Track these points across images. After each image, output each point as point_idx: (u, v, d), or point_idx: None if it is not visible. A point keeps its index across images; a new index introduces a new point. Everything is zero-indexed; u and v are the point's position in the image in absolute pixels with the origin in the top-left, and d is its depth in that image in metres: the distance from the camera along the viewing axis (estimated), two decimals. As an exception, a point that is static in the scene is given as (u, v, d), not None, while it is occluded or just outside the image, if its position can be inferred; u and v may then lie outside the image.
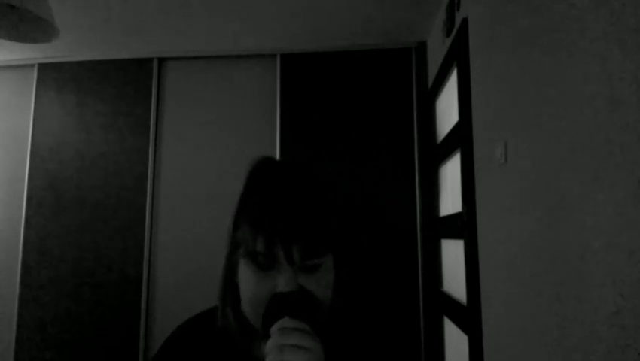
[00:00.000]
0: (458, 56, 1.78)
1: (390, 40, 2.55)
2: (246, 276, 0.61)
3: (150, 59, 2.69)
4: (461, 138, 1.72)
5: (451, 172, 2.07)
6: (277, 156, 2.53)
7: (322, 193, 0.64)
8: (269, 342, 0.54)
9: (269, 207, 0.60)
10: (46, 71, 2.76)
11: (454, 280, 2.00)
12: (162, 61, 2.71)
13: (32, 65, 2.78)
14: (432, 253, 2.36)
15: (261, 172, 0.66)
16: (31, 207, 2.66)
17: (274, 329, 0.54)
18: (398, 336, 2.41)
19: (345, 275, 0.66)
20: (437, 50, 2.27)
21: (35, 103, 2.74)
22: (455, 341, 1.98)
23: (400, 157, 2.49)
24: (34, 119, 2.73)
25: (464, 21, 1.70)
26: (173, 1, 2.12)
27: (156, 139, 2.65)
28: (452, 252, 2.03)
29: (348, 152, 2.51)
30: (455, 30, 1.87)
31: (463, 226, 1.70)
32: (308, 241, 0.58)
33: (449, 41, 1.97)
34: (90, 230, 2.60)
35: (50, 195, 2.65)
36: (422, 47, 2.57)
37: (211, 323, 0.70)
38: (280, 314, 0.56)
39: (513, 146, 1.24)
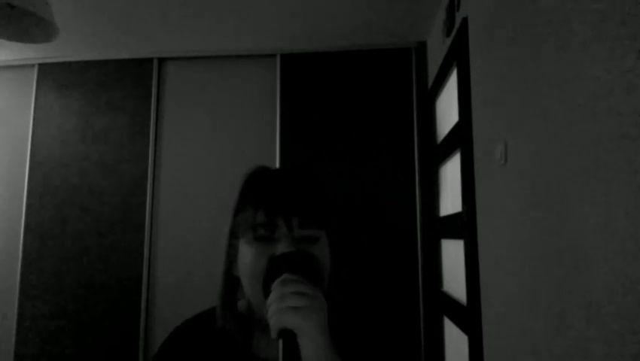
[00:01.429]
0: (458, 56, 1.78)
1: (390, 41, 2.55)
2: (246, 252, 0.63)
3: (150, 59, 2.69)
4: (461, 138, 1.72)
5: (451, 172, 2.07)
6: (277, 156, 2.53)
7: (316, 182, 0.69)
8: (270, 295, 0.55)
9: (268, 186, 0.65)
10: (46, 71, 2.76)
11: (454, 280, 2.00)
12: (162, 61, 2.71)
13: (32, 65, 2.78)
14: (432, 253, 2.36)
15: (257, 173, 0.70)
16: (31, 207, 2.66)
17: (275, 284, 0.55)
18: (398, 336, 2.41)
19: (342, 266, 0.68)
20: (437, 50, 2.27)
21: (35, 103, 2.74)
22: (455, 341, 1.98)
23: (400, 157, 2.49)
24: (34, 119, 2.73)
25: (464, 21, 1.70)
26: (173, 1, 2.12)
27: (156, 139, 2.65)
28: (452, 252, 2.03)
29: (348, 152, 2.51)
30: (455, 30, 1.87)
31: (463, 226, 1.70)
32: (306, 212, 0.62)
33: (449, 41, 1.97)
34: (90, 230, 2.60)
35: (50, 195, 2.65)
36: (422, 47, 2.57)
37: (210, 323, 0.70)
38: (280, 272, 0.57)
39: (513, 146, 1.24)
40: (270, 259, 0.59)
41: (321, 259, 0.63)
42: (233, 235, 0.67)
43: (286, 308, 0.52)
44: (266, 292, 0.57)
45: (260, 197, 0.63)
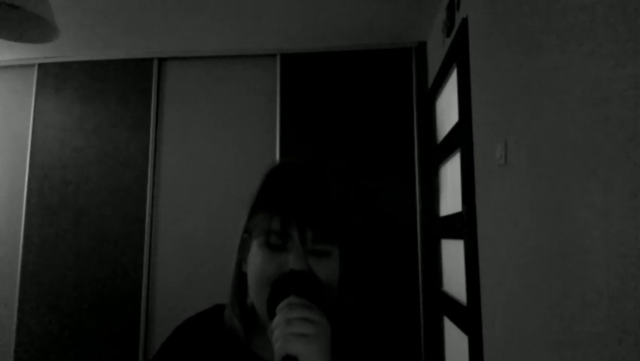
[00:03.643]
0: (458, 56, 1.78)
1: (390, 41, 2.55)
2: (256, 255, 0.63)
3: (150, 59, 2.69)
4: (461, 137, 1.72)
5: (451, 172, 2.07)
6: (277, 156, 2.53)
7: (334, 192, 0.68)
8: (276, 318, 0.54)
9: (287, 193, 0.63)
10: (46, 71, 2.76)
11: (454, 280, 2.00)
12: (162, 61, 2.71)
13: (32, 65, 2.78)
14: (432, 253, 2.36)
15: (279, 170, 0.69)
16: (31, 208, 2.66)
17: (281, 306, 0.55)
18: (398, 336, 2.41)
19: (348, 275, 0.67)
20: (437, 50, 2.27)
21: (35, 103, 2.74)
22: (455, 341, 1.98)
23: (400, 157, 2.49)
24: (34, 119, 2.73)
25: (464, 21, 1.70)
26: (173, 1, 2.12)
27: (156, 139, 2.65)
28: (452, 252, 2.03)
29: (348, 152, 2.51)
30: (455, 30, 1.87)
31: (463, 225, 1.70)
32: (321, 227, 0.61)
33: (449, 41, 1.97)
34: (90, 230, 2.60)
35: (50, 196, 2.66)
36: (422, 47, 2.57)
37: (211, 321, 0.70)
38: (287, 293, 0.56)
39: (513, 146, 1.24)
40: (276, 279, 0.59)
41: (330, 276, 0.62)
42: (247, 231, 0.66)
43: (291, 335, 0.52)
44: (271, 313, 0.57)
45: (278, 203, 0.62)
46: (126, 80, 2.70)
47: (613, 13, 0.76)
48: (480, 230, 1.55)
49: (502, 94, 1.32)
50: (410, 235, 2.43)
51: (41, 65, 2.76)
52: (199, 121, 2.65)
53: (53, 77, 2.75)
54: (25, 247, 2.63)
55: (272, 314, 0.56)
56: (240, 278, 0.68)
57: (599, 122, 0.80)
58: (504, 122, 1.30)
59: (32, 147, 2.71)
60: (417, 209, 2.44)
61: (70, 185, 2.65)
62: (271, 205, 0.63)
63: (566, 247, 0.93)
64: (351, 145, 2.52)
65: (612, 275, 0.76)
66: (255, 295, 0.63)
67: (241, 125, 2.62)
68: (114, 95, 2.70)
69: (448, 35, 1.98)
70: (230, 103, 2.65)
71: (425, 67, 2.56)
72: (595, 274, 0.81)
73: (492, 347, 1.42)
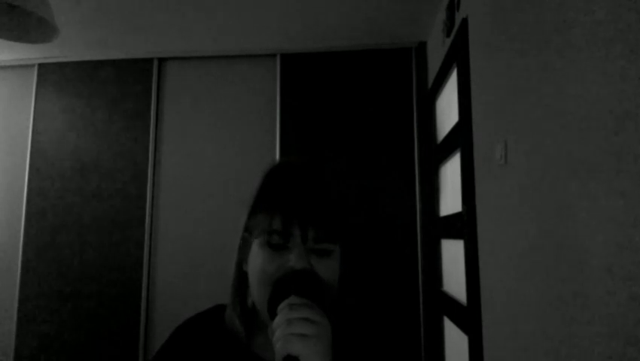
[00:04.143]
0: (458, 56, 1.78)
1: (390, 40, 2.55)
2: (257, 254, 0.63)
3: (150, 59, 2.69)
4: (461, 137, 1.72)
5: (451, 172, 2.07)
6: (277, 156, 2.54)
7: (334, 192, 0.67)
8: (276, 319, 0.54)
9: (288, 192, 0.63)
10: (46, 71, 2.76)
11: (454, 280, 2.00)
12: (162, 61, 2.71)
13: (32, 65, 2.78)
14: (432, 253, 2.36)
15: (279, 169, 0.69)
16: (31, 207, 2.66)
17: (282, 306, 0.55)
18: (398, 336, 2.41)
19: (348, 275, 0.67)
20: (437, 50, 2.27)
21: (35, 103, 2.74)
22: (455, 341, 1.98)
23: (400, 157, 2.49)
24: (34, 119, 2.73)
25: (464, 21, 1.70)
26: (173, 1, 2.12)
27: (156, 139, 2.65)
28: (452, 252, 2.03)
29: (348, 152, 2.51)
30: (455, 30, 1.87)
31: (463, 225, 1.70)
32: (323, 226, 0.61)
33: (449, 41, 1.97)
34: (90, 230, 2.60)
35: (50, 195, 2.65)
36: (422, 47, 2.57)
37: (210, 322, 0.70)
38: (288, 293, 0.56)
39: (513, 146, 1.24)
40: (277, 278, 0.59)
41: (331, 275, 0.62)
42: (247, 230, 0.66)
43: (292, 335, 0.52)
44: (272, 313, 0.57)
45: (279, 202, 0.62)
46: (126, 80, 2.70)
47: (613, 13, 0.76)
48: (479, 230, 1.55)
49: (502, 94, 1.32)
50: (410, 235, 2.43)
51: (41, 65, 2.76)
52: (199, 121, 2.65)
53: (53, 77, 2.76)
54: (25, 246, 2.63)
55: (273, 314, 0.56)
56: (241, 278, 0.68)
57: (599, 122, 0.80)
58: (504, 122, 1.30)
59: (31, 147, 2.71)
60: (417, 209, 2.44)
61: (70, 185, 2.65)
62: (272, 205, 0.63)
63: (566, 247, 0.93)
64: (351, 145, 2.52)
65: (612, 275, 0.76)
66: (256, 295, 0.63)
67: (241, 125, 2.62)
68: (114, 95, 2.70)
69: (448, 35, 1.98)
70: (230, 103, 2.65)
71: (425, 67, 2.56)
72: (596, 274, 0.81)
73: (492, 347, 1.42)
